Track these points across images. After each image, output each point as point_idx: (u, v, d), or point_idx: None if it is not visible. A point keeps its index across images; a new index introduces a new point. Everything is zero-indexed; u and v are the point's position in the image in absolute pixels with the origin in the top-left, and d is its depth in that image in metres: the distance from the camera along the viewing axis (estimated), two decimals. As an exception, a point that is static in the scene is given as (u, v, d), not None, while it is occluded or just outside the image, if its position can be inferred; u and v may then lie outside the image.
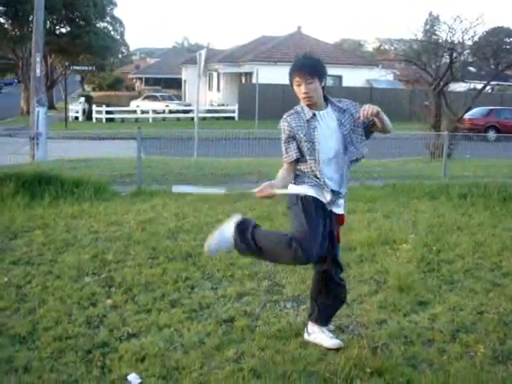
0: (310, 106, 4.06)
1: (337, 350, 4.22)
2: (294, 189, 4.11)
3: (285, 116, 4.13)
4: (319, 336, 4.35)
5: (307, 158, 4.05)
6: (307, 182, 4.08)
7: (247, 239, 4.06)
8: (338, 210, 4.18)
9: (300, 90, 4.03)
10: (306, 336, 4.43)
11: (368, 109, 3.91)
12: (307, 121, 4.05)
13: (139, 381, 3.79)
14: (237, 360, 4.09)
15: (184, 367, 3.97)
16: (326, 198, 4.05)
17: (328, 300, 4.35)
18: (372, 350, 4.23)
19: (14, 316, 4.75)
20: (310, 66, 4.05)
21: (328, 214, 4.09)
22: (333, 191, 4.06)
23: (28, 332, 4.44)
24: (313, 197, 4.05)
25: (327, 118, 4.09)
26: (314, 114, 4.06)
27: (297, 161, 4.07)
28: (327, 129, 4.06)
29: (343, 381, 3.81)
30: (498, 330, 4.68)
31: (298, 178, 4.14)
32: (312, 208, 4.02)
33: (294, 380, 3.80)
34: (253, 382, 3.78)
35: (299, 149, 4.06)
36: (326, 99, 4.13)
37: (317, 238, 3.96)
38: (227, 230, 4.17)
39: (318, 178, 4.05)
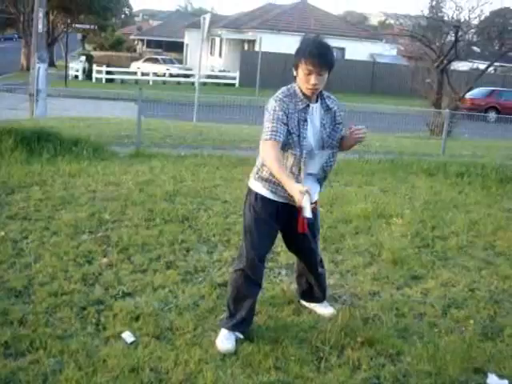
0: (307, 95, 3.72)
1: (329, 318, 4.27)
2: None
3: (280, 96, 3.70)
4: (312, 303, 4.42)
5: (288, 150, 3.72)
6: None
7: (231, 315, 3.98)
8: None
9: (309, 80, 3.60)
10: (300, 300, 4.51)
11: (359, 133, 3.81)
12: (299, 111, 3.69)
13: (133, 339, 3.83)
14: (230, 323, 4.13)
15: (178, 328, 4.01)
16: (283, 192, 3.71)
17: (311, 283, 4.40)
18: (364, 321, 4.28)
19: (10, 270, 4.78)
20: (327, 56, 3.61)
21: (284, 214, 3.88)
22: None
23: (24, 286, 4.47)
24: (268, 199, 3.85)
25: (315, 114, 3.77)
26: (308, 106, 3.72)
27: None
28: (314, 126, 3.77)
29: (334, 349, 3.86)
30: (488, 308, 4.74)
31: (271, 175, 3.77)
32: (260, 211, 3.87)
33: (285, 345, 3.84)
34: (245, 345, 3.82)
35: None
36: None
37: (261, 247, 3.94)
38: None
39: (293, 173, 3.74)
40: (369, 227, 6.62)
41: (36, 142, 9.19)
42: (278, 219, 3.92)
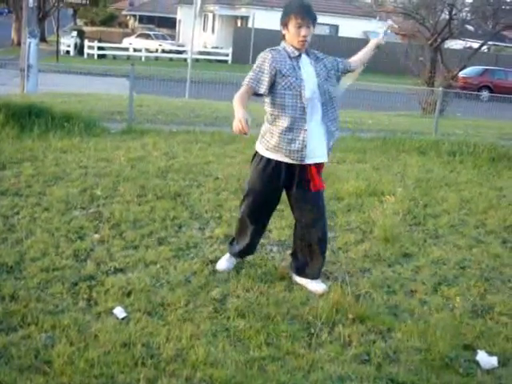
0: (298, 49, 4.11)
1: (321, 295, 4.29)
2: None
3: (268, 50, 4.15)
4: (304, 279, 4.43)
5: (288, 96, 4.04)
6: (282, 138, 4.11)
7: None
8: (317, 158, 4.19)
9: (299, 32, 4.03)
10: (293, 276, 4.53)
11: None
12: (292, 58, 4.10)
13: (125, 314, 3.83)
14: (221, 300, 4.14)
15: (169, 304, 4.02)
16: (297, 153, 4.09)
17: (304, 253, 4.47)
18: (355, 298, 4.29)
19: (2, 246, 4.76)
20: (312, 11, 4.09)
21: (283, 171, 4.20)
22: (304, 140, 4.08)
23: (15, 262, 4.46)
24: (271, 160, 4.19)
25: (306, 63, 4.15)
26: (300, 55, 4.12)
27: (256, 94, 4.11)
28: (308, 73, 4.12)
29: (325, 325, 3.88)
30: (478, 285, 4.77)
31: (272, 135, 4.17)
32: (262, 170, 4.24)
33: (277, 322, 3.86)
34: (237, 322, 3.84)
35: (271, 89, 4.06)
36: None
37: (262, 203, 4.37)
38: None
39: (299, 126, 4.07)
40: (361, 205, 6.63)
41: (27, 117, 9.11)
42: (281, 179, 4.22)
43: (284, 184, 4.26)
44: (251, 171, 4.36)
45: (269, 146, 4.18)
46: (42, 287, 4.12)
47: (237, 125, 3.70)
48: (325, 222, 4.40)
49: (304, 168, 4.17)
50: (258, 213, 4.42)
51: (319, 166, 4.25)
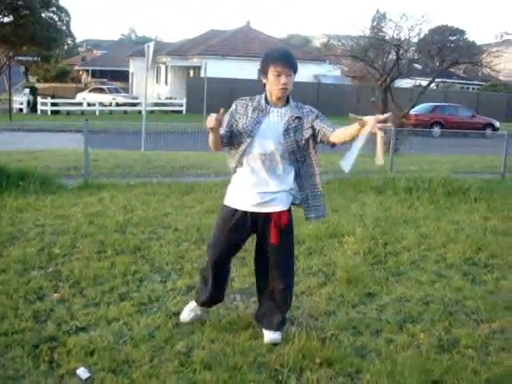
0: (276, 100, 4.05)
1: (268, 343, 4.22)
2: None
3: (238, 99, 4.17)
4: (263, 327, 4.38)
5: (236, 148, 4.08)
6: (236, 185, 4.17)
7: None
8: (273, 208, 4.11)
9: (279, 81, 3.96)
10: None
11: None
12: (258, 111, 4.04)
13: (88, 375, 3.74)
14: (187, 353, 4.07)
15: (134, 360, 3.94)
16: (249, 200, 4.09)
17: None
18: (321, 341, 4.26)
19: (-42, 311, 4.63)
20: (292, 59, 4.05)
21: (247, 221, 4.14)
22: (260, 189, 4.08)
23: (-28, 327, 4.34)
24: (230, 207, 4.17)
25: (277, 117, 4.06)
26: (268, 110, 4.06)
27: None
28: (271, 127, 4.03)
29: (293, 371, 3.84)
30: (443, 320, 4.80)
31: (233, 185, 4.21)
32: (227, 220, 4.17)
33: (244, 371, 3.81)
34: (203, 374, 3.77)
35: (230, 135, 4.06)
36: (287, 100, 4.13)
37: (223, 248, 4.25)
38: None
39: (254, 172, 4.07)
40: (321, 247, 6.65)
41: (-20, 178, 8.99)
42: (245, 231, 4.20)
43: (249, 233, 4.24)
44: (216, 220, 4.33)
45: (230, 195, 4.19)
46: (1, 352, 4.00)
47: (208, 121, 3.78)
48: (288, 274, 4.36)
49: (266, 219, 4.12)
50: (223, 261, 4.33)
51: (281, 216, 4.14)
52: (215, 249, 4.26)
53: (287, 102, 4.11)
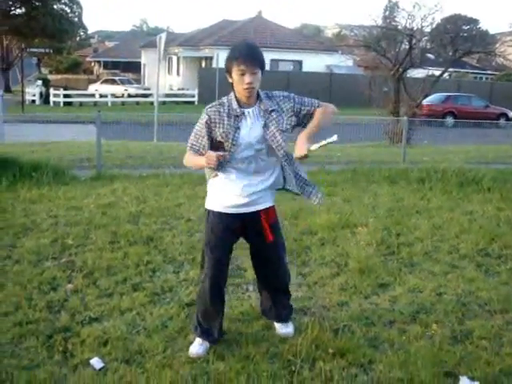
0: (245, 99, 3.76)
1: (284, 337, 4.20)
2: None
3: (207, 107, 3.82)
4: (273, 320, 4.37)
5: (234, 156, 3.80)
6: (220, 189, 3.94)
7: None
8: (259, 206, 3.96)
9: (243, 80, 3.65)
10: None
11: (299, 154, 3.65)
12: (233, 116, 3.75)
13: (102, 365, 3.77)
14: (200, 343, 4.09)
15: (147, 351, 3.96)
16: (236, 202, 3.89)
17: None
18: (334, 332, 4.26)
19: (-27, 301, 4.67)
20: (256, 55, 3.71)
21: (236, 222, 3.95)
22: (246, 190, 3.88)
23: (-13, 317, 4.38)
24: (219, 213, 3.93)
25: (253, 117, 3.80)
26: (243, 113, 3.78)
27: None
28: (251, 129, 3.79)
29: (306, 362, 3.85)
30: (456, 311, 4.78)
31: (214, 188, 3.98)
32: (215, 223, 3.95)
33: (257, 361, 3.82)
34: (216, 365, 3.79)
35: (212, 145, 3.80)
36: (257, 95, 3.83)
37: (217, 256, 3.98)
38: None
39: (229, 178, 3.88)
40: (334, 238, 6.64)
41: (-6, 169, 9.04)
42: (235, 232, 4.00)
43: (237, 235, 4.06)
44: (205, 228, 4.06)
45: (214, 199, 3.98)
46: (15, 342, 4.04)
47: (208, 162, 3.61)
48: (284, 272, 4.30)
49: (255, 218, 3.95)
50: (223, 262, 4.05)
51: (268, 213, 4.02)
52: (213, 253, 3.96)
53: (258, 97, 3.82)
